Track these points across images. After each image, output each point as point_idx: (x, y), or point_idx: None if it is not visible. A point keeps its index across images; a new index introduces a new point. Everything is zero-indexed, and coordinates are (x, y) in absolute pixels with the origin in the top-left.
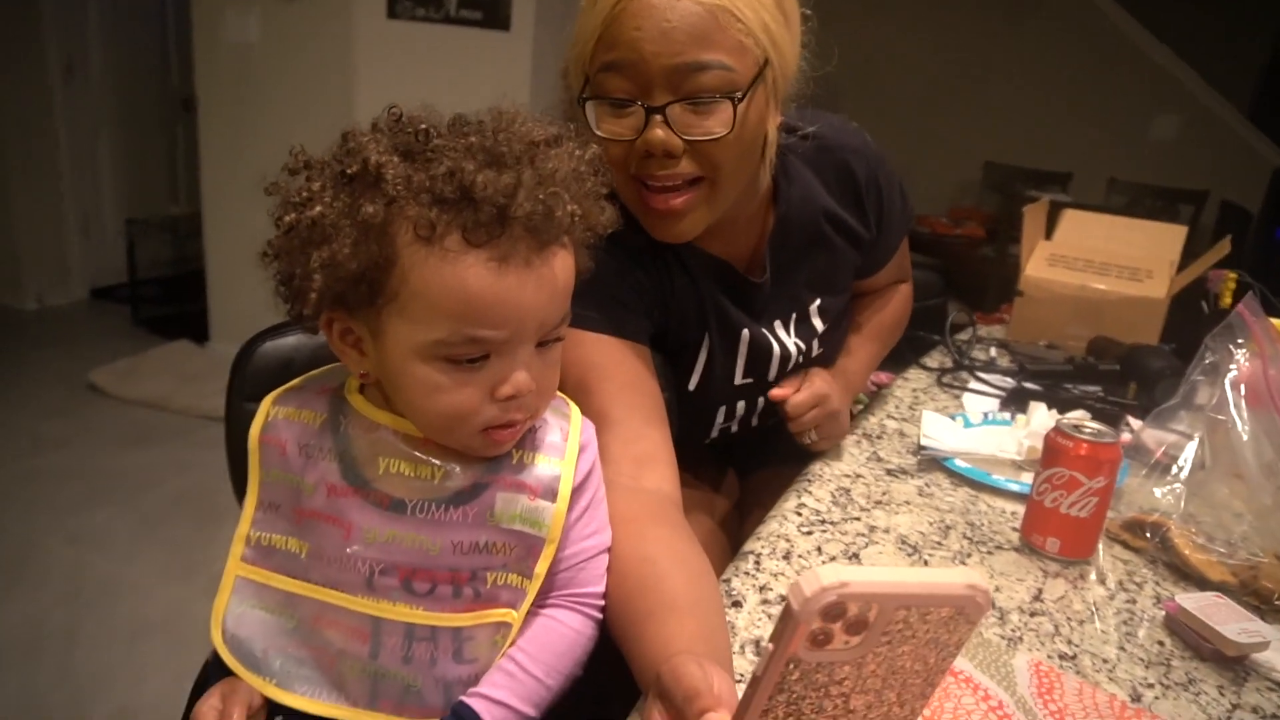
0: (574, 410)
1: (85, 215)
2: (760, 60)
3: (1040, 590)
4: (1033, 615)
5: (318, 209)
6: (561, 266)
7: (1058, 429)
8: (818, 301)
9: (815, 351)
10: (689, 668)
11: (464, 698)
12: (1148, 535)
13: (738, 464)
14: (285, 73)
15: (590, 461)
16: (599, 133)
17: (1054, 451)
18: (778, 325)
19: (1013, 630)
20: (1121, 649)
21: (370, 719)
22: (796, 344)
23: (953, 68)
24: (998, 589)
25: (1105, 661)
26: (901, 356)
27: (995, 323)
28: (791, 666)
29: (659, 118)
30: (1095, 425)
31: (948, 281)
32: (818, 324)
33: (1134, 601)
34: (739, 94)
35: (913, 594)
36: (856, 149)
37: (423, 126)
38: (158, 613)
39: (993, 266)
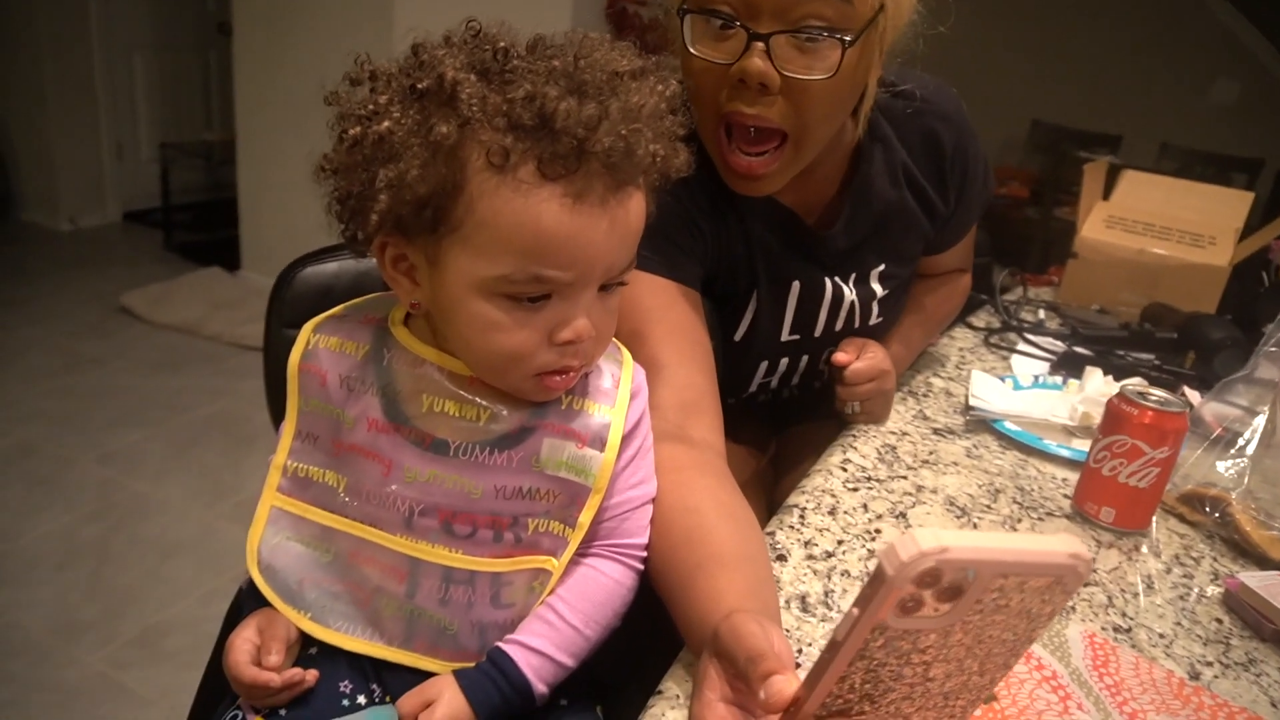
0: (626, 355)
1: (120, 138)
2: (876, 4)
3: (1093, 561)
4: (1085, 585)
5: (385, 124)
6: (635, 208)
7: (1122, 395)
8: (881, 266)
9: (875, 318)
10: (749, 627)
11: (501, 644)
12: (1207, 509)
13: (774, 417)
14: None
15: (640, 409)
16: (692, 52)
17: (1116, 419)
18: (837, 279)
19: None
20: (1178, 625)
21: (404, 658)
22: (853, 301)
23: (1003, 20)
24: None
25: (1162, 636)
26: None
27: (1043, 284)
28: (876, 633)
29: (761, 46)
30: (1161, 393)
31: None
32: (877, 288)
33: (1190, 577)
34: (850, 36)
35: (1013, 562)
36: (948, 116)
37: (501, 45)
38: (187, 534)
39: (1036, 228)
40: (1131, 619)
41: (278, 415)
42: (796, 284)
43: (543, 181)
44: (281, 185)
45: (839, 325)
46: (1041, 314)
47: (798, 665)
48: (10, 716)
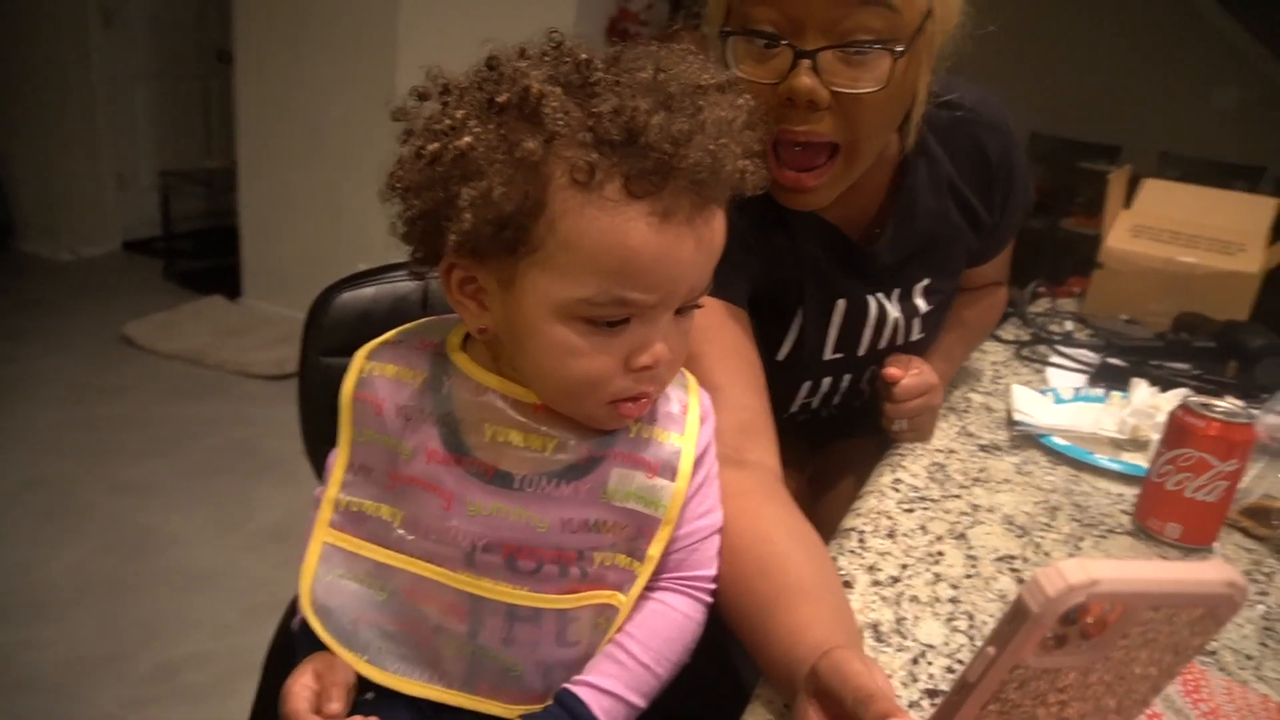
0: (690, 379)
1: (120, 167)
2: (924, 10)
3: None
4: None
5: (466, 139)
6: (719, 227)
7: (1186, 408)
8: (926, 281)
9: (916, 334)
10: (854, 665)
11: (570, 686)
12: (1274, 522)
13: (811, 436)
14: (325, 24)
15: (709, 436)
16: (738, 73)
17: (1181, 431)
18: (880, 296)
19: None
20: (1263, 645)
21: (466, 701)
22: (897, 319)
23: (997, 30)
24: None
25: (1249, 658)
26: None
27: (1063, 295)
28: (1014, 674)
29: (807, 63)
30: (1227, 404)
31: None
32: (921, 304)
33: (1266, 594)
34: (900, 46)
35: (1167, 593)
36: (995, 125)
37: (583, 56)
38: (201, 565)
39: (1044, 239)
40: (1215, 640)
41: (314, 444)
42: (842, 302)
43: (629, 200)
44: (283, 212)
45: (882, 343)
46: (1068, 325)
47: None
48: None
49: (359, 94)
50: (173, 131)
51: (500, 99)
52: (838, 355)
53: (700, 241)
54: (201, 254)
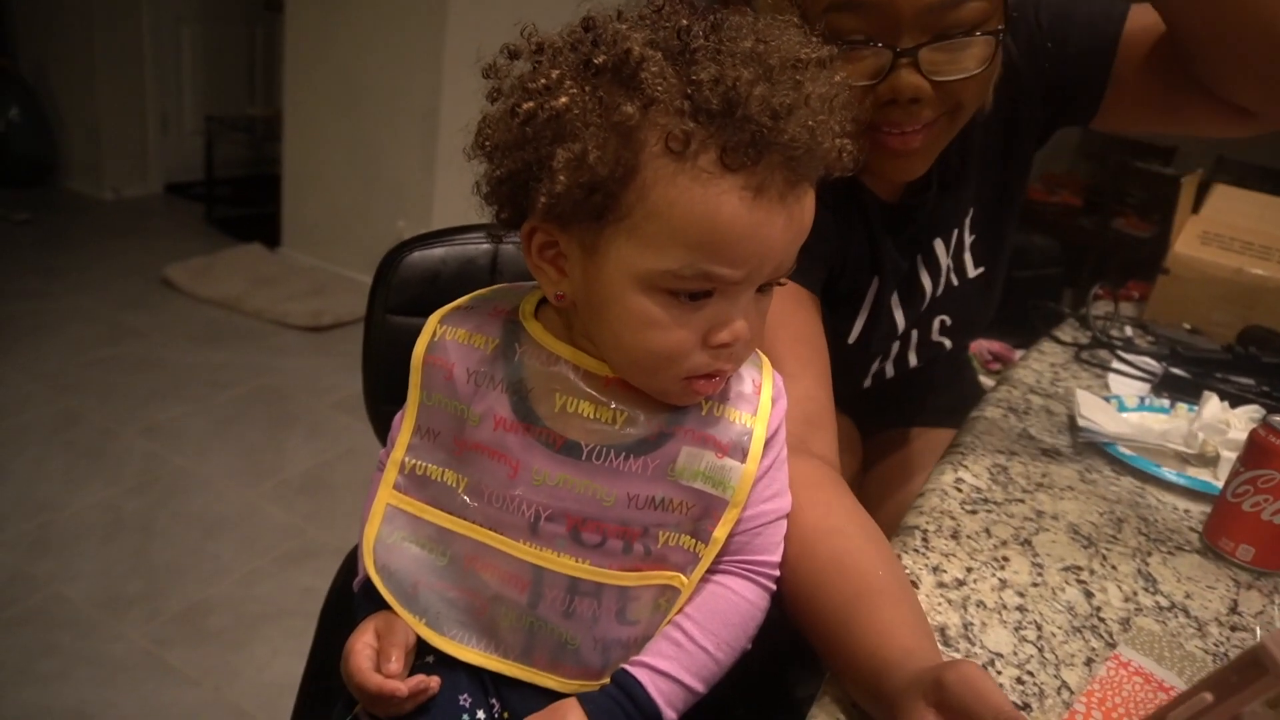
0: (764, 359)
1: (165, 110)
2: None
3: (1235, 602)
4: (1234, 630)
5: (562, 99)
6: (809, 205)
7: (1269, 426)
8: (971, 211)
9: (972, 271)
10: (989, 683)
11: (627, 666)
12: None
13: (860, 419)
14: None
15: (780, 417)
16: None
17: (1263, 451)
18: (938, 241)
19: (1215, 644)
20: None
21: (522, 673)
22: (948, 265)
23: None
24: (1188, 595)
25: None
26: (1029, 328)
27: (1123, 299)
28: None
29: (906, 60)
30: None
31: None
32: (968, 236)
33: None
34: (1000, 28)
35: None
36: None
37: (684, 22)
38: (229, 512)
39: (1092, 239)
40: None
41: (374, 401)
42: (902, 272)
43: (724, 172)
44: (326, 163)
45: (940, 291)
46: (1129, 330)
47: None
48: (56, 688)
49: (406, 49)
50: (218, 77)
51: (598, 60)
52: (903, 323)
53: (791, 219)
54: (242, 201)
